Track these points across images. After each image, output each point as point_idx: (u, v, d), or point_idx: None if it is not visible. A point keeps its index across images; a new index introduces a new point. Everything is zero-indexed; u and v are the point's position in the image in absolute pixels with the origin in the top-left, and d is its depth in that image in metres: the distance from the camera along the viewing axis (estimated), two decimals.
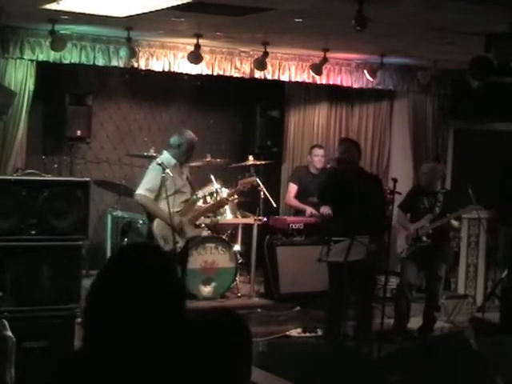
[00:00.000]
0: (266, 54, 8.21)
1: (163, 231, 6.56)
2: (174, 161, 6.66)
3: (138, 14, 6.51)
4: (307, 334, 7.68)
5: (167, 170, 6.55)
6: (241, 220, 8.62)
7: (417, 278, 7.79)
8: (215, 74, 8.53)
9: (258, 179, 8.11)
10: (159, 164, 6.54)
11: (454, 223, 7.69)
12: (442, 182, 8.85)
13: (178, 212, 6.65)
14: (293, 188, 9.07)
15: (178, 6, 6.05)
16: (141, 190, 6.62)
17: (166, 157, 6.74)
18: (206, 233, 8.25)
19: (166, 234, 6.55)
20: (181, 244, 6.68)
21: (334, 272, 6.78)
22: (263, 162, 9.02)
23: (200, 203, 7.98)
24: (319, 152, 9.05)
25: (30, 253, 5.64)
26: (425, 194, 7.74)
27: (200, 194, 8.02)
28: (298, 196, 9.05)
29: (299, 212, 9.04)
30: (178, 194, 6.64)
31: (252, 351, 2.12)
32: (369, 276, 6.79)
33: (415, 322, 7.88)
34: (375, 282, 7.13)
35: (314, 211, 8.66)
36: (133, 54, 7.85)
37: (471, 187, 7.74)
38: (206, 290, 7.93)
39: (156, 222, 6.62)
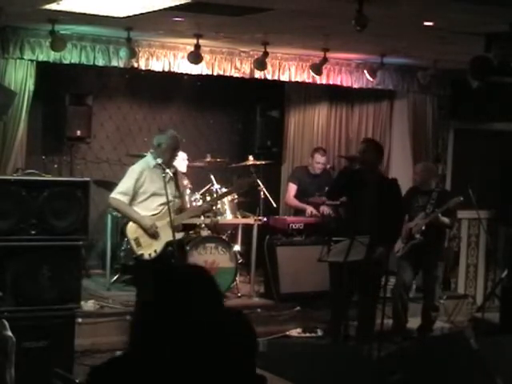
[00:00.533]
0: (266, 53, 8.20)
1: (136, 234, 6.44)
2: (154, 162, 6.50)
3: (138, 14, 6.51)
4: (307, 334, 7.69)
5: (167, 170, 6.49)
6: (241, 220, 8.62)
7: (412, 278, 7.79)
8: (215, 73, 8.53)
9: (257, 180, 7.95)
10: (159, 164, 6.48)
11: (444, 219, 7.64)
12: (441, 182, 8.86)
13: (154, 215, 6.49)
14: (292, 188, 9.06)
15: (178, 6, 6.05)
16: (113, 194, 6.51)
17: (146, 159, 6.62)
18: (205, 233, 8.25)
19: (139, 237, 6.42)
20: (157, 248, 6.50)
21: (335, 272, 6.77)
22: (263, 162, 9.01)
23: (200, 203, 7.98)
24: (321, 160, 8.91)
25: (30, 253, 5.65)
26: (420, 193, 7.75)
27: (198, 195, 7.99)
28: (297, 196, 9.04)
29: (299, 212, 9.03)
30: (154, 197, 6.49)
31: (257, 352, 2.15)
32: (370, 277, 6.77)
33: (415, 322, 7.87)
34: (379, 284, 7.07)
35: (314, 210, 8.68)
36: (133, 54, 7.85)
37: (471, 187, 7.75)
38: None
39: (129, 225, 6.51)
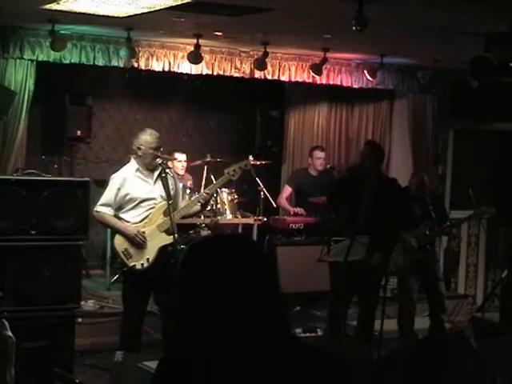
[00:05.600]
0: (266, 53, 8.21)
1: (124, 246, 6.00)
2: (135, 167, 6.10)
3: (138, 14, 6.51)
4: (307, 334, 7.68)
5: (167, 170, 6.25)
6: (241, 220, 8.61)
7: (417, 282, 7.73)
8: (215, 73, 8.53)
9: (249, 161, 7.10)
10: (160, 163, 6.17)
11: (454, 231, 7.69)
12: (441, 182, 8.85)
13: (142, 220, 6.04)
14: (287, 190, 9.08)
15: (178, 6, 6.05)
16: (96, 207, 6.06)
17: (128, 165, 6.20)
18: (205, 233, 8.25)
19: (127, 248, 5.99)
20: (150, 256, 5.98)
21: (335, 272, 6.76)
22: (263, 162, 9.01)
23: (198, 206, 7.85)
24: (321, 155, 8.98)
25: (30, 253, 5.64)
26: (414, 200, 7.58)
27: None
28: (297, 197, 9.05)
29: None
30: (143, 202, 6.06)
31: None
32: (369, 277, 6.75)
33: (416, 323, 7.86)
34: (379, 284, 7.03)
35: (296, 209, 8.79)
36: (133, 54, 7.85)
37: (471, 187, 7.74)
38: None
39: (116, 238, 6.09)
